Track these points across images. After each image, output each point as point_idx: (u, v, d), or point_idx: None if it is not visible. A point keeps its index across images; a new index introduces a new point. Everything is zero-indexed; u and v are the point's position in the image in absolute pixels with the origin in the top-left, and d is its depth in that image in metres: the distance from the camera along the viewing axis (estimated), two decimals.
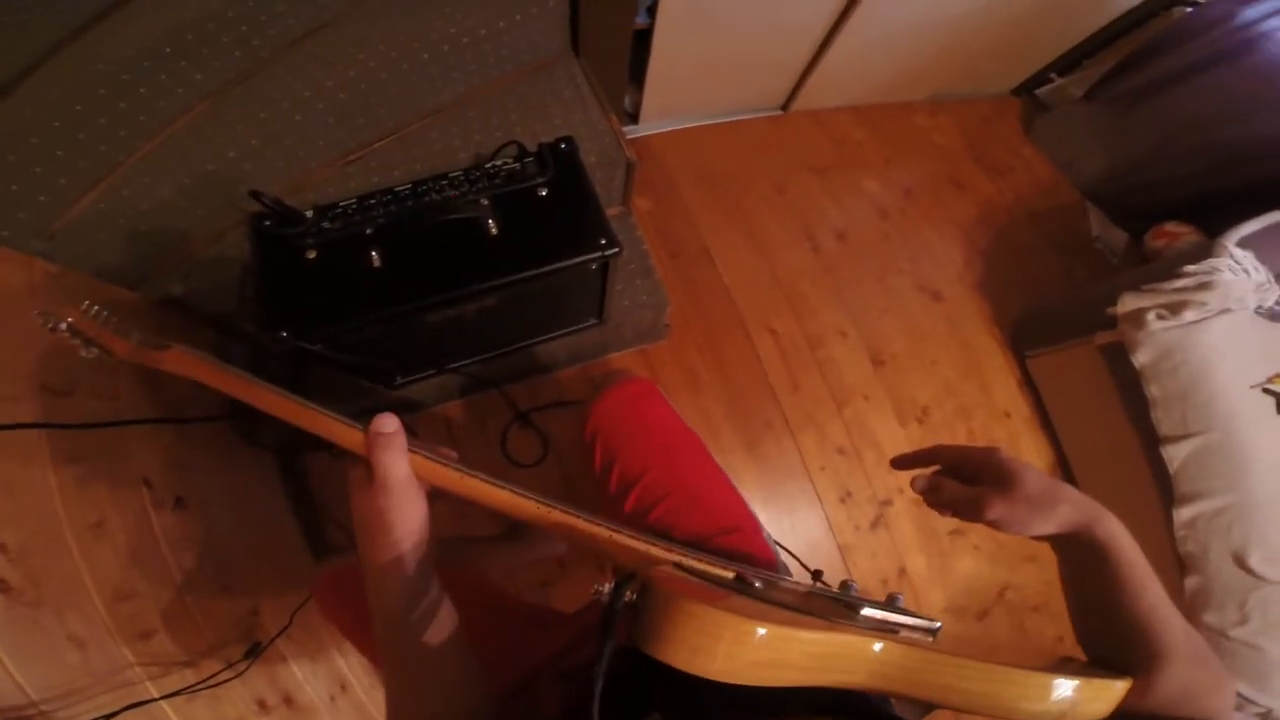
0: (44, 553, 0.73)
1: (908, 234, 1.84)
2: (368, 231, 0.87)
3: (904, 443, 1.60)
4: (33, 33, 0.86)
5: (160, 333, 1.06)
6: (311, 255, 0.88)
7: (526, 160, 0.96)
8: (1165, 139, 1.78)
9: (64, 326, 0.50)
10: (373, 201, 0.90)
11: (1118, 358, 1.39)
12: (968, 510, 0.47)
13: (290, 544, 1.25)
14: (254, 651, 0.94)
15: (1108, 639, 0.46)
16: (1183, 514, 1.31)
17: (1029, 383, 1.72)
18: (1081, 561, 0.47)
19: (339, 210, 0.90)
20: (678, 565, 0.43)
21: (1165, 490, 1.34)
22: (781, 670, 0.32)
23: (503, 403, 1.38)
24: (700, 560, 0.46)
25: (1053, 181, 2.06)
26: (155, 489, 0.93)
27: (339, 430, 0.45)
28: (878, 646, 0.35)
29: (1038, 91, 2.18)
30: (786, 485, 1.51)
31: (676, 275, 1.63)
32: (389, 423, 0.42)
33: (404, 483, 0.42)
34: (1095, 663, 0.45)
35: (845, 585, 0.50)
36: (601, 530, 0.44)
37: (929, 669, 0.36)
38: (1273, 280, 1.30)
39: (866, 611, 0.42)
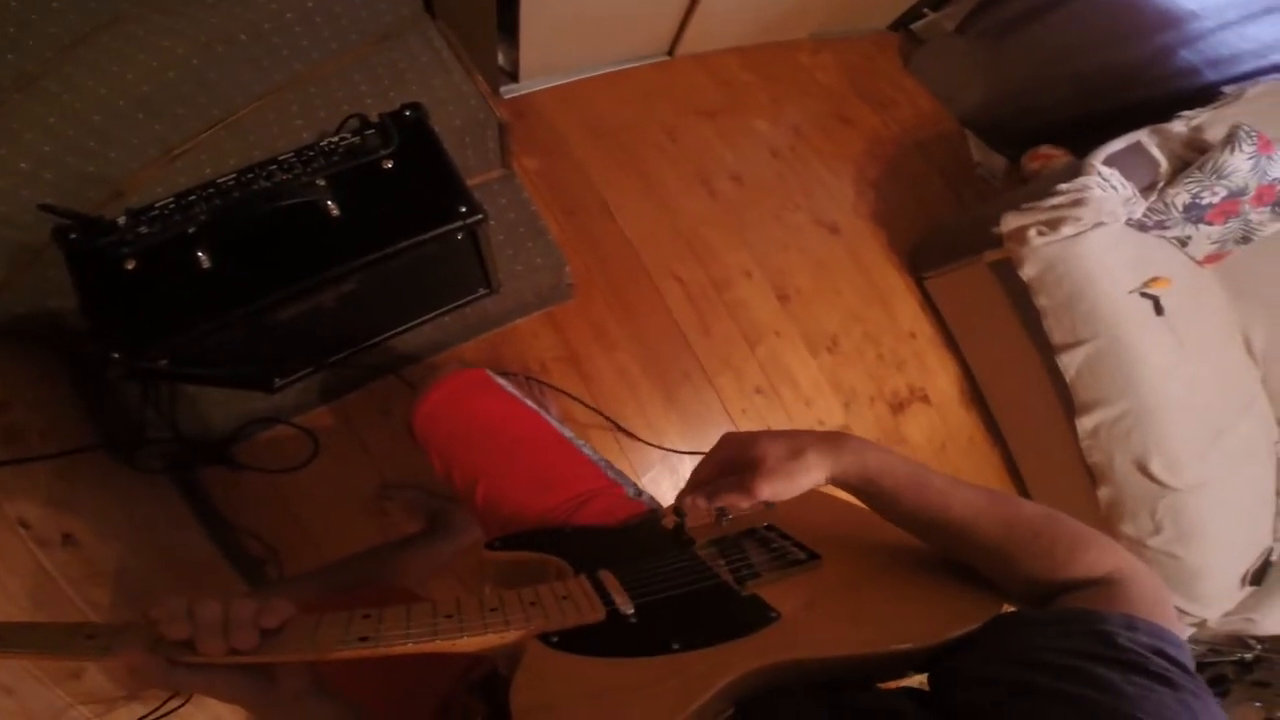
0: None
1: (801, 171, 1.82)
2: (190, 231, 0.75)
3: (818, 373, 1.60)
4: None
5: None
6: (131, 265, 0.76)
7: (367, 133, 0.85)
8: (1035, 69, 1.81)
9: None
10: (192, 198, 0.78)
11: (1008, 273, 1.42)
12: (741, 500, 0.45)
13: (210, 562, 1.15)
14: None
15: (949, 551, 0.46)
16: (1085, 423, 1.35)
17: (930, 304, 1.74)
18: (871, 496, 0.46)
19: (155, 212, 0.77)
20: (543, 637, 0.37)
21: (1066, 401, 1.39)
22: None
23: (403, 387, 1.28)
24: (568, 611, 0.40)
25: (934, 112, 2.08)
26: (34, 529, 0.84)
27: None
28: (743, 676, 0.34)
29: (913, 26, 2.19)
30: (709, 432, 1.49)
31: (576, 232, 1.55)
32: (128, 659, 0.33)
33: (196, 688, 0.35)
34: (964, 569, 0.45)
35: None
36: (446, 644, 0.37)
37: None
38: (1138, 194, 1.34)
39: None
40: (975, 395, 1.71)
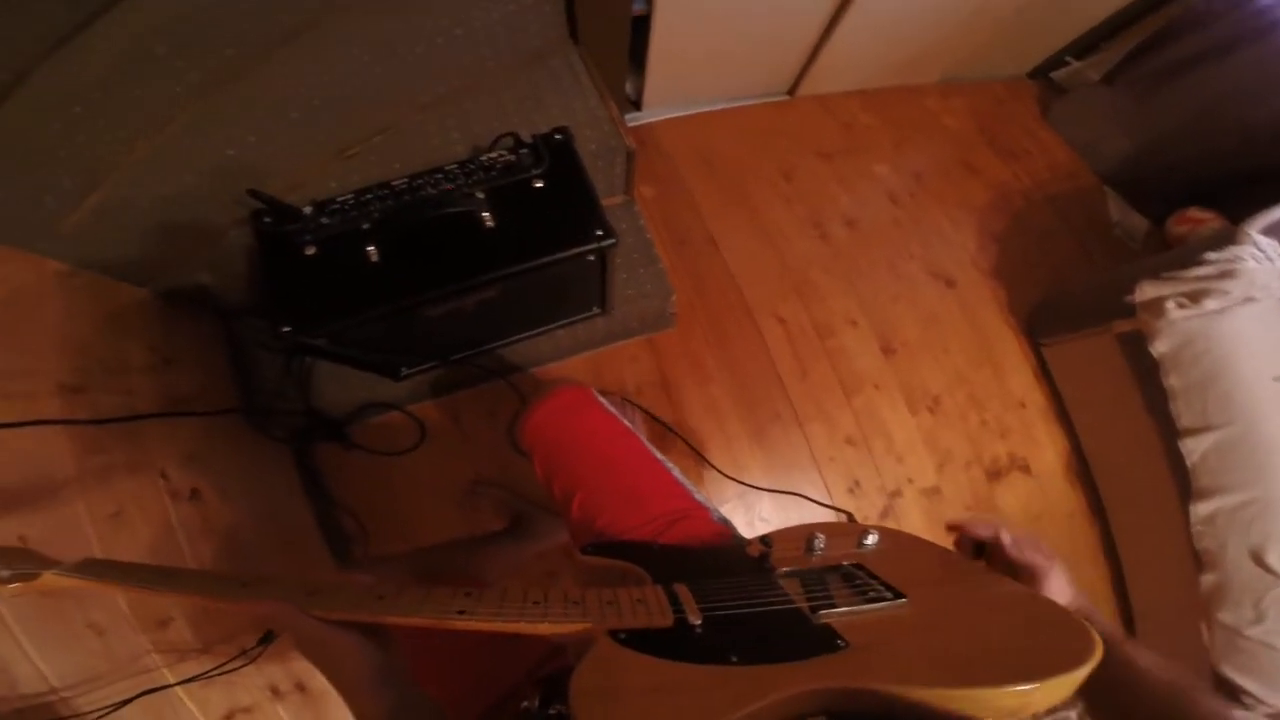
0: (65, 543, 0.76)
1: (919, 219, 1.83)
2: (365, 226, 0.88)
3: (915, 431, 1.59)
4: (25, 35, 0.88)
5: (168, 332, 1.10)
6: (311, 251, 0.90)
7: (522, 151, 0.97)
8: (1187, 123, 1.75)
9: None
10: (369, 196, 0.92)
11: (1136, 347, 1.37)
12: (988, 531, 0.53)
13: (305, 533, 1.28)
14: (268, 639, 0.97)
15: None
16: (1200, 509, 1.29)
17: (1045, 371, 1.70)
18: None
19: (336, 206, 0.91)
20: (613, 633, 0.42)
21: (1183, 484, 1.32)
22: None
23: (510, 392, 1.40)
24: (639, 613, 0.45)
25: (1071, 165, 2.03)
26: (172, 480, 0.97)
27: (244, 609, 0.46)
28: (796, 694, 0.36)
29: (1054, 75, 2.16)
30: (794, 475, 1.51)
31: (683, 263, 1.64)
32: (264, 609, 0.43)
33: (313, 645, 0.42)
34: None
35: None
36: (529, 626, 0.43)
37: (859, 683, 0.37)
38: None
39: (825, 614, 0.44)
40: (1082, 470, 1.64)
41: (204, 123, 0.99)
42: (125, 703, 0.72)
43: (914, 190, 1.87)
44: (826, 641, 0.42)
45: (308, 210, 0.92)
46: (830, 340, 1.63)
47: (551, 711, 0.36)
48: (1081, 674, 0.37)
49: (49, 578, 0.48)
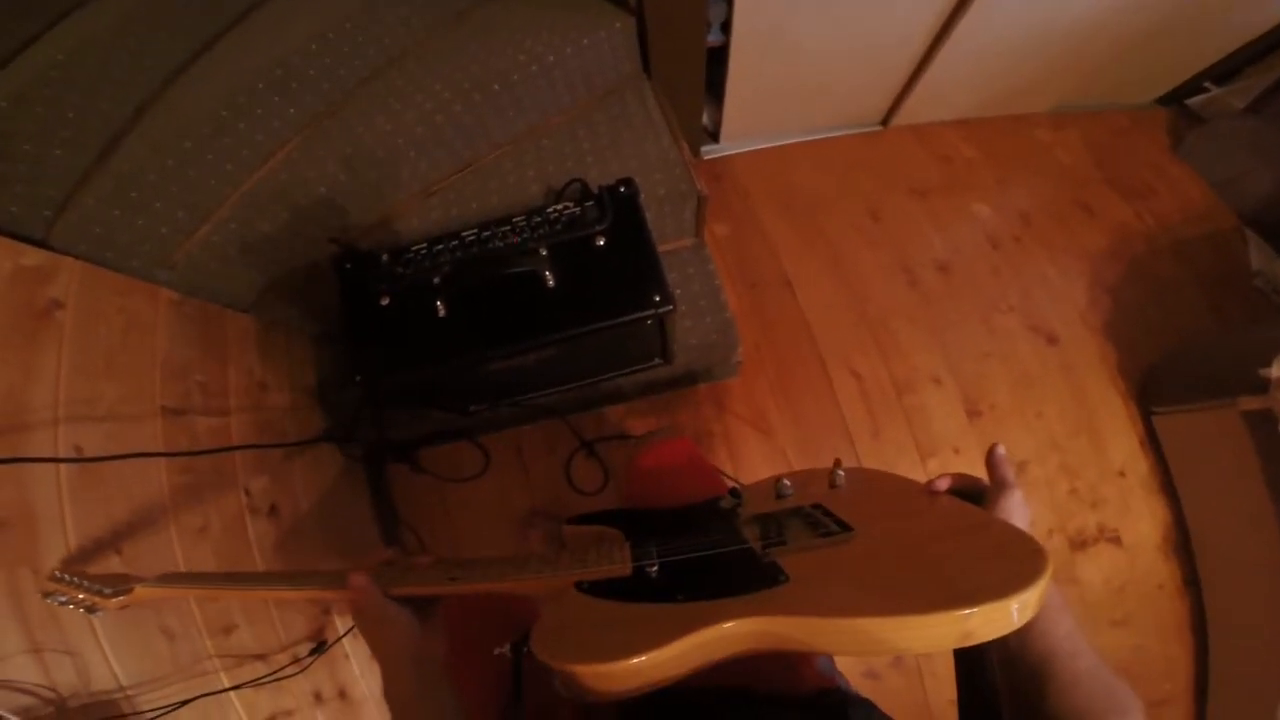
0: (153, 555, 0.86)
1: (1022, 266, 1.74)
2: (435, 281, 0.96)
3: None
4: (142, 71, 1.01)
5: (264, 356, 1.22)
6: (385, 301, 0.98)
7: (587, 205, 1.01)
8: None
9: (62, 600, 0.65)
10: (440, 247, 0.99)
11: (1264, 425, 1.27)
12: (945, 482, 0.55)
13: (369, 546, 1.39)
14: (320, 649, 1.06)
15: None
16: None
17: (1153, 440, 1.58)
18: None
19: (410, 255, 1.00)
20: (578, 584, 0.49)
21: None
22: (665, 674, 0.39)
23: (569, 431, 1.46)
24: (602, 565, 0.51)
25: (1205, 205, 1.86)
26: (254, 497, 1.09)
27: (318, 594, 0.59)
28: (732, 625, 0.39)
29: (1189, 102, 2.00)
30: None
31: (753, 307, 1.64)
32: (357, 578, 0.54)
33: (384, 614, 0.52)
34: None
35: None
36: (511, 584, 0.53)
37: (809, 630, 0.39)
38: None
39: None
40: (1180, 545, 1.53)
41: (300, 160, 1.12)
42: (184, 703, 0.80)
43: (1018, 233, 1.77)
44: (770, 576, 0.45)
45: (385, 258, 1.00)
46: (909, 397, 1.58)
47: (524, 649, 0.44)
48: (1024, 598, 0.36)
49: (139, 590, 0.64)
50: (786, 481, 0.63)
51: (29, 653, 0.68)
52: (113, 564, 0.80)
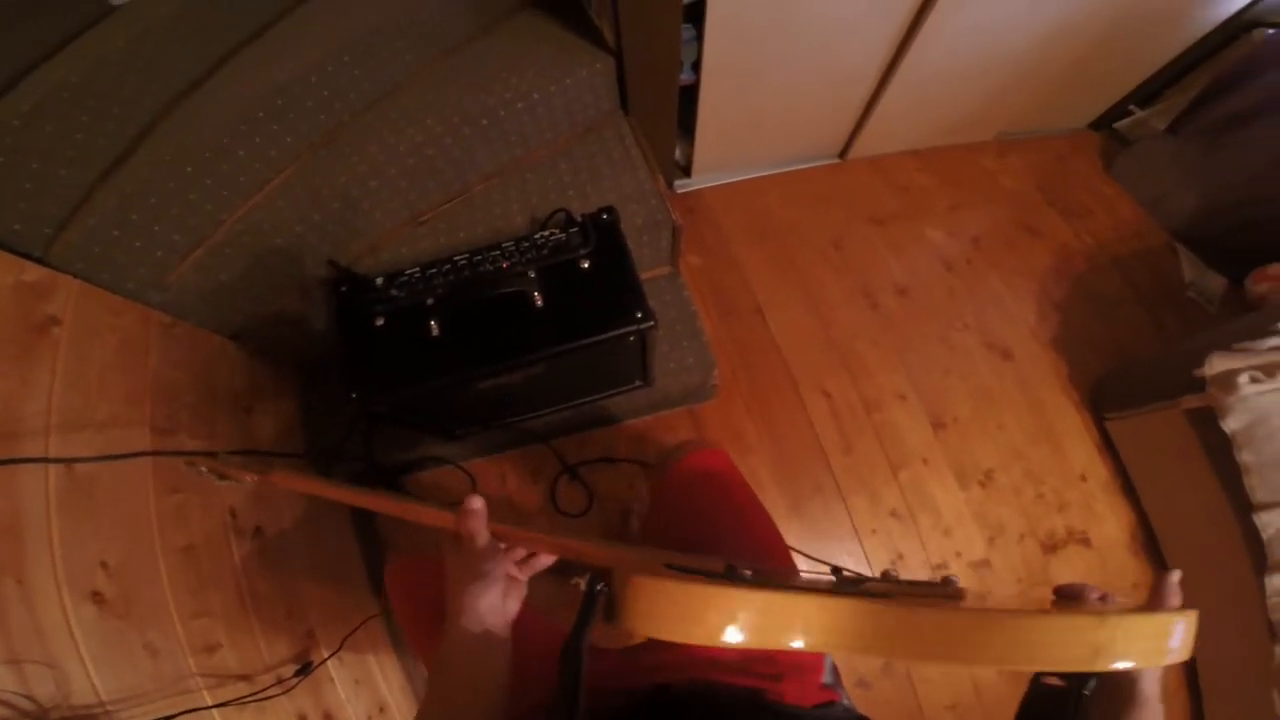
0: (138, 572, 0.88)
1: (975, 287, 1.87)
2: (429, 302, 1.02)
3: (964, 505, 1.61)
4: (148, 94, 1.06)
5: (251, 382, 1.25)
6: (380, 322, 1.04)
7: (571, 231, 1.09)
8: (1262, 171, 1.72)
9: (204, 470, 0.75)
10: (434, 270, 1.05)
11: (1206, 421, 1.38)
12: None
13: (352, 572, 1.42)
14: (304, 670, 1.07)
15: None
16: (1276, 581, 1.29)
17: (1108, 445, 1.69)
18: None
19: (405, 278, 1.06)
20: (669, 565, 0.51)
21: (1257, 557, 1.32)
22: (755, 625, 0.37)
23: (553, 455, 1.52)
24: (692, 560, 0.55)
25: (1138, 223, 2.03)
26: (239, 518, 1.11)
27: (434, 515, 0.63)
28: (842, 602, 0.38)
29: (1117, 125, 2.17)
30: (831, 546, 1.56)
31: (727, 333, 1.74)
32: (474, 501, 0.58)
33: (484, 546, 0.57)
34: None
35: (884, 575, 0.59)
36: (612, 553, 0.57)
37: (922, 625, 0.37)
38: None
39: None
40: (1148, 543, 1.63)
41: (295, 186, 1.18)
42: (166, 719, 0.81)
43: (970, 256, 1.92)
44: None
45: (379, 281, 1.06)
46: (877, 414, 1.68)
47: (598, 587, 0.44)
48: (1175, 621, 0.37)
49: (280, 473, 0.73)
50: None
51: (8, 663, 0.69)
52: (98, 578, 0.82)
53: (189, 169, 1.04)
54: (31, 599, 0.74)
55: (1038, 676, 0.51)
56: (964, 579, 1.51)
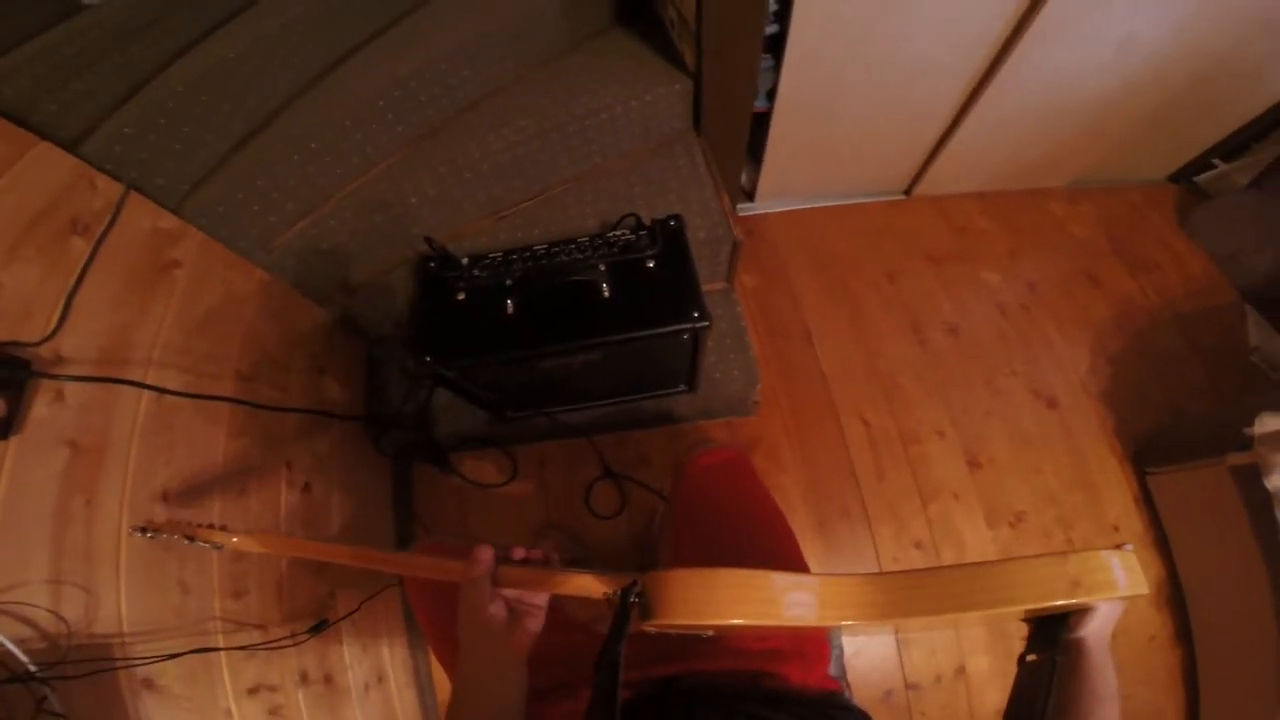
0: (193, 506, 0.95)
1: (1028, 333, 1.90)
2: (508, 283, 1.16)
3: (990, 545, 1.64)
4: (284, 78, 1.22)
5: (328, 346, 1.39)
6: (461, 297, 1.18)
7: (641, 233, 1.22)
8: None
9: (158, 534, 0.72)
10: (515, 256, 1.20)
11: (1251, 479, 1.39)
12: None
13: (382, 539, 1.53)
14: (318, 628, 1.14)
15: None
16: None
17: (1147, 499, 1.70)
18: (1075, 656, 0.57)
19: (488, 261, 1.20)
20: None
21: None
22: (764, 607, 0.43)
23: (592, 453, 1.63)
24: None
25: (1207, 280, 2.02)
26: (293, 471, 1.23)
27: (441, 570, 0.64)
28: (855, 577, 0.44)
29: (1198, 178, 2.15)
30: (849, 569, 1.61)
31: (774, 353, 1.83)
32: (480, 558, 0.58)
33: (487, 591, 0.57)
34: None
35: None
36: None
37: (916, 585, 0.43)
38: None
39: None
40: (1173, 598, 1.63)
41: (399, 172, 1.34)
42: (174, 656, 0.83)
43: (1026, 302, 1.95)
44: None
45: (465, 261, 1.21)
46: (914, 447, 1.73)
47: (634, 590, 0.47)
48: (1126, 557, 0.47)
49: (244, 537, 0.72)
50: None
51: (49, 582, 0.73)
52: (157, 509, 0.88)
53: (313, 145, 1.20)
54: (93, 520, 0.79)
55: (1022, 657, 0.60)
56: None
